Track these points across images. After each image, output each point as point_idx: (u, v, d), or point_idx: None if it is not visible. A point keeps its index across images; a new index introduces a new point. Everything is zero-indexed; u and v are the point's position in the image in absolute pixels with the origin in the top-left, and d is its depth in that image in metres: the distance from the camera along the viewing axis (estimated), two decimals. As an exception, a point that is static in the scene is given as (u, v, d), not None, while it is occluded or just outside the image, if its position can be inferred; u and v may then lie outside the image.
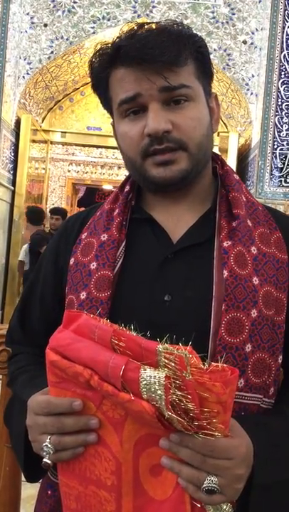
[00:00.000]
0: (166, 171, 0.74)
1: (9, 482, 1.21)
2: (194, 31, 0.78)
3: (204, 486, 0.56)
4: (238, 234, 0.75)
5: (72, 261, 0.82)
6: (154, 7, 6.33)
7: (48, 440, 0.62)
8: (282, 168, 6.08)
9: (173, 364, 0.52)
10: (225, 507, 0.57)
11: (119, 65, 0.74)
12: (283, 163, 6.07)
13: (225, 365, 0.55)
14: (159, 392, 0.52)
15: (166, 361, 0.52)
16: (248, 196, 0.82)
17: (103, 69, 0.76)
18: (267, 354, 0.72)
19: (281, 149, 6.08)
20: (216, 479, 0.56)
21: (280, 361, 0.74)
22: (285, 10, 6.02)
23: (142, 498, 0.60)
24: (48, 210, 7.08)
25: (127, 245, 0.79)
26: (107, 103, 0.81)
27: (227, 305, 0.70)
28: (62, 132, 7.97)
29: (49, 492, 0.79)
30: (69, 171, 8.30)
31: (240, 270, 0.72)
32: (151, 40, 0.71)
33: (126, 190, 0.84)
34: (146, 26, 0.74)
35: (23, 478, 0.95)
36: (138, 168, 0.77)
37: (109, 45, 0.76)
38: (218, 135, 6.79)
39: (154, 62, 0.70)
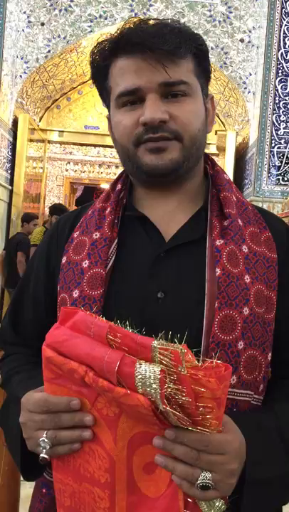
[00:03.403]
0: (157, 158, 0.75)
1: (8, 482, 1.21)
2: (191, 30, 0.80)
3: (199, 482, 0.56)
4: (230, 233, 0.76)
5: (64, 260, 0.82)
6: (151, 5, 6.33)
7: (44, 435, 0.63)
8: (279, 167, 6.08)
9: (168, 359, 0.53)
10: (218, 503, 0.58)
11: (121, 54, 0.75)
12: (281, 162, 6.08)
13: (219, 361, 0.55)
14: (154, 386, 0.52)
15: (161, 357, 0.53)
16: (238, 196, 0.83)
17: (104, 58, 0.77)
18: (258, 351, 0.73)
19: (279, 147, 6.08)
20: (210, 475, 0.57)
21: (269, 358, 0.75)
22: (282, 8, 6.02)
23: (136, 496, 0.60)
24: (45, 208, 7.08)
25: (119, 243, 0.80)
26: (105, 93, 0.81)
27: (220, 303, 0.71)
28: (59, 131, 7.96)
29: (44, 490, 0.79)
30: (67, 170, 8.30)
31: (232, 268, 0.73)
32: (153, 31, 0.73)
33: (117, 188, 0.85)
34: (150, 21, 0.76)
35: (21, 478, 0.96)
36: (131, 156, 0.77)
37: (112, 36, 0.77)
38: (215, 133, 6.79)
39: (155, 49, 0.72)
